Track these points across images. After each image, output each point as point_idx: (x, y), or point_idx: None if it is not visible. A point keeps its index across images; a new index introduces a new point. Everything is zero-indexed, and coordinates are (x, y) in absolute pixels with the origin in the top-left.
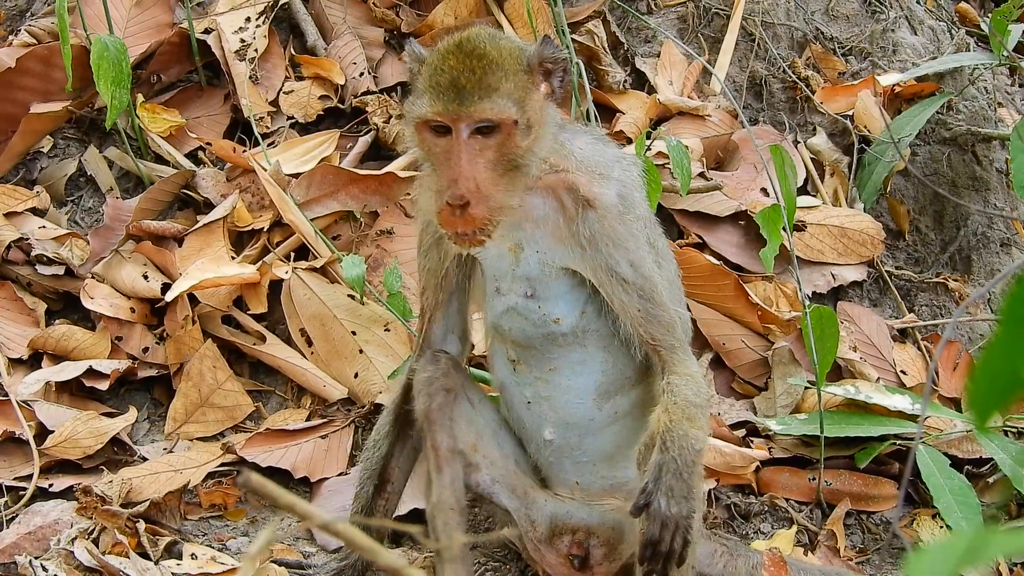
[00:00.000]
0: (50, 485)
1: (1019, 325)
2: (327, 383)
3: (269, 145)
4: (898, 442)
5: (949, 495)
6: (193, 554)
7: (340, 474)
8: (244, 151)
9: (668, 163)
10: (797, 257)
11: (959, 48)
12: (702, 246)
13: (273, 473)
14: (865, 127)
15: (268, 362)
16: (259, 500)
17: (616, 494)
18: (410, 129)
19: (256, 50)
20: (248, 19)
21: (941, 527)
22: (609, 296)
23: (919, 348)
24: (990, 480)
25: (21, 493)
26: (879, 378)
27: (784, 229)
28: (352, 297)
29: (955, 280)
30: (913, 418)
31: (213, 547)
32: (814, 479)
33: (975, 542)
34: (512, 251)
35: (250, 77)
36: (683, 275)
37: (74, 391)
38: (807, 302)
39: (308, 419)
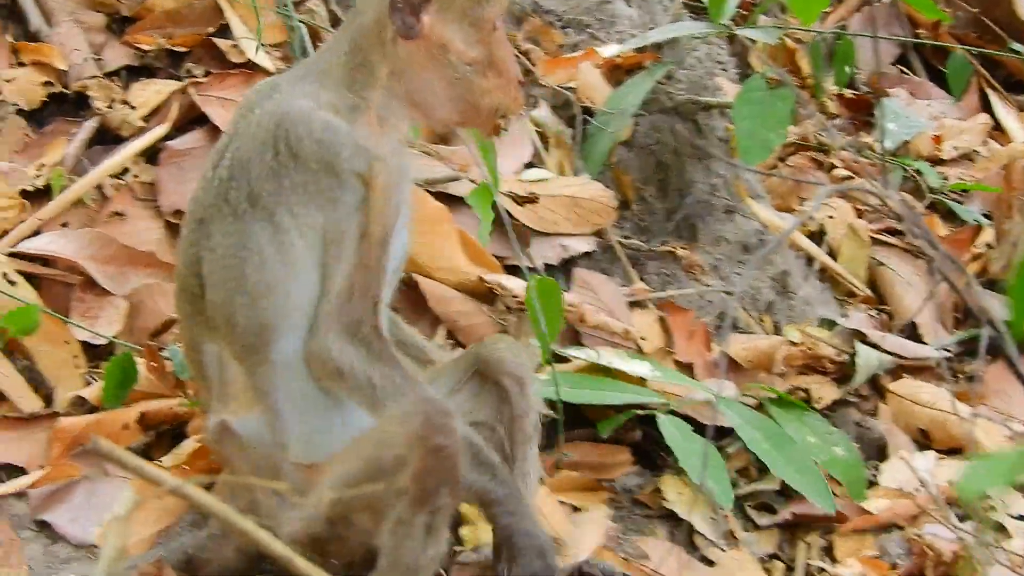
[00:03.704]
0: None
1: None
2: None
3: None
4: (639, 412)
5: (694, 457)
6: None
7: None
8: None
9: None
10: (531, 229)
11: (675, 18)
12: None
13: None
14: (588, 99)
15: None
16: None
17: None
18: (481, 29)
19: None
20: None
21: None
22: None
23: (655, 314)
24: (730, 451)
25: None
26: (618, 345)
27: (494, 206)
28: None
29: (683, 248)
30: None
31: None
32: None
33: None
34: None
35: None
36: None
37: None
38: (529, 275)
39: None
